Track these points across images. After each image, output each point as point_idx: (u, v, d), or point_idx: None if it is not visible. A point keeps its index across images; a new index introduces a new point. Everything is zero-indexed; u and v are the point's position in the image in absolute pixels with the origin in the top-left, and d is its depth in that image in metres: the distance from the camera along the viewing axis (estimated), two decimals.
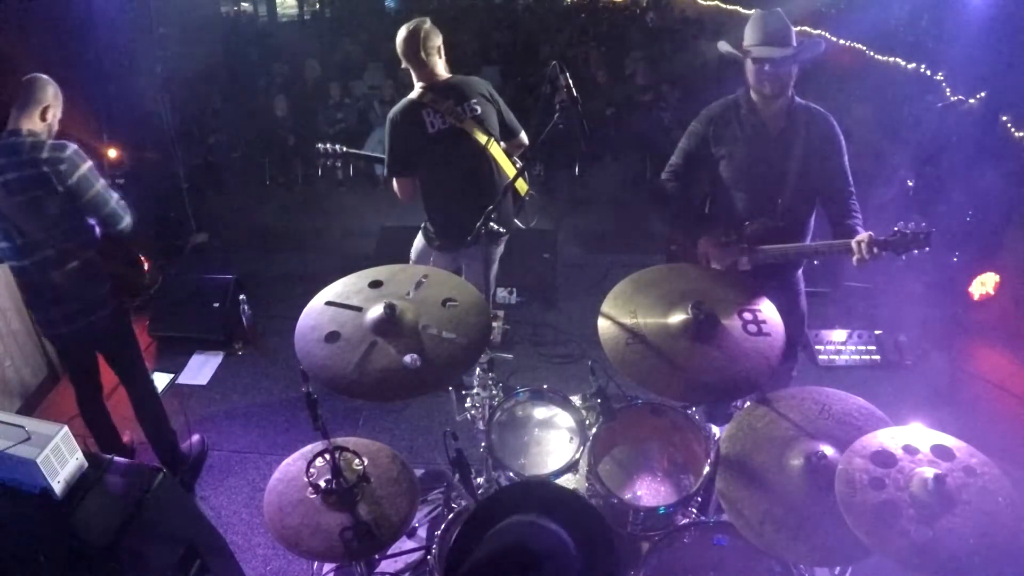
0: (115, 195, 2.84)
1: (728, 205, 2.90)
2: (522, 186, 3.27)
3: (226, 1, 10.99)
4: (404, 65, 3.16)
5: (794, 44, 2.61)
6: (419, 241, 3.55)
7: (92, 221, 2.83)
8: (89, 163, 2.74)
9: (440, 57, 3.16)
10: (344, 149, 3.60)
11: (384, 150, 3.28)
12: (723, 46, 2.77)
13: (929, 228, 2.45)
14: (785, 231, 2.79)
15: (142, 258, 3.11)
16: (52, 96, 2.75)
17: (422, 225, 3.49)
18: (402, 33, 3.09)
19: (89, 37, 4.65)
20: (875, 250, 2.49)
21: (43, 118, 2.73)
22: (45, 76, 2.77)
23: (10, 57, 3.85)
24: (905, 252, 2.49)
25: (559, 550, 1.32)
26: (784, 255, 2.78)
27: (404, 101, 3.17)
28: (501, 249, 3.51)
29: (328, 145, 3.58)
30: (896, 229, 2.48)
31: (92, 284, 2.88)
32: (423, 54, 3.08)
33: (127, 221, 2.87)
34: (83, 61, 4.62)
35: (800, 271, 3.06)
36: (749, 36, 2.69)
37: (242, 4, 11.72)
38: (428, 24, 3.10)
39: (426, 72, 3.13)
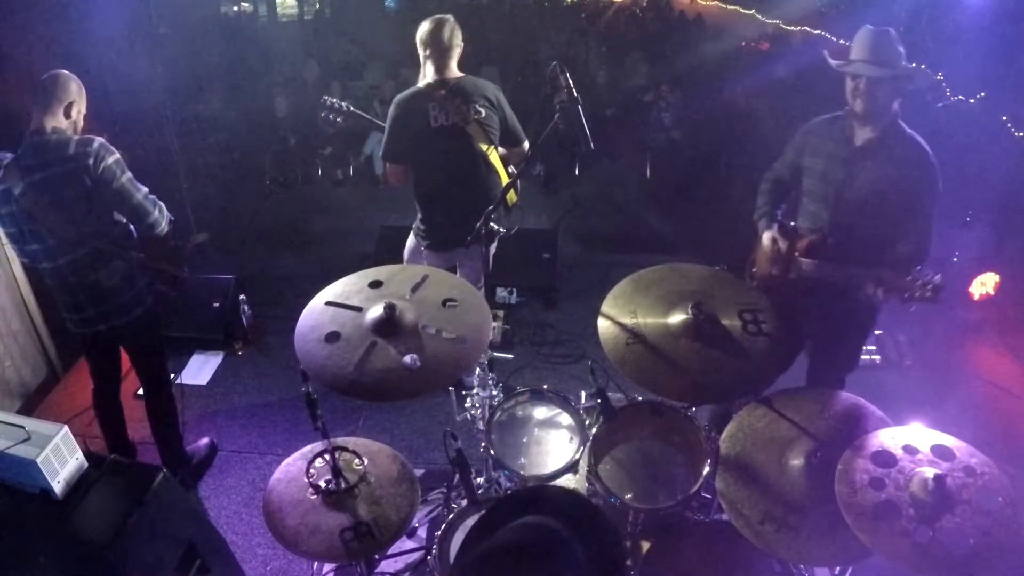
0: (144, 190, 2.79)
1: (798, 214, 2.83)
2: (511, 196, 3.28)
3: (226, 1, 10.98)
4: (424, 53, 3.16)
5: (898, 67, 2.48)
6: (411, 241, 3.56)
7: (122, 219, 2.78)
8: (116, 156, 2.69)
9: (457, 55, 3.19)
10: (349, 107, 3.64)
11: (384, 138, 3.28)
12: (829, 59, 2.62)
13: (941, 283, 2.30)
14: (836, 249, 2.63)
15: (177, 248, 3.06)
16: (76, 92, 2.69)
17: (413, 225, 3.50)
18: (428, 24, 3.13)
19: (89, 37, 4.65)
20: (879, 290, 2.37)
21: (67, 115, 2.67)
22: (66, 72, 2.71)
23: (10, 57, 3.85)
24: (911, 301, 2.35)
25: (564, 550, 1.32)
26: (817, 271, 2.64)
27: (413, 89, 3.19)
28: (494, 248, 3.52)
29: (335, 100, 3.61)
30: (911, 275, 2.34)
31: (128, 282, 2.86)
32: (446, 46, 3.12)
33: (155, 216, 2.80)
34: (83, 61, 4.62)
35: (871, 323, 2.90)
36: (854, 50, 2.57)
37: (242, 4, 11.69)
38: (453, 20, 3.15)
39: (443, 66, 3.15)
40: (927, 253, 2.58)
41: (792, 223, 2.80)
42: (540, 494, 1.79)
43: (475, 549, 1.37)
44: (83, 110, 2.74)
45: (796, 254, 2.71)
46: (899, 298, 2.38)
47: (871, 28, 2.55)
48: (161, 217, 2.85)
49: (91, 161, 2.61)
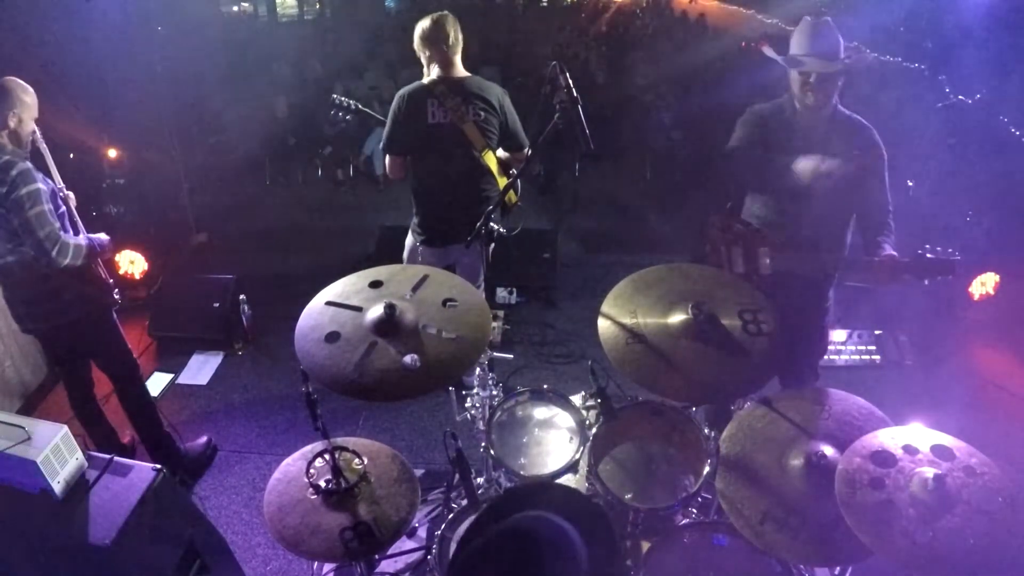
0: (48, 228, 2.68)
1: (759, 207, 2.84)
2: (511, 197, 3.28)
3: (226, 1, 10.99)
4: (426, 53, 3.15)
5: (842, 56, 2.53)
6: (409, 240, 3.55)
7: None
8: (32, 187, 2.64)
9: (459, 51, 3.18)
10: (358, 106, 3.64)
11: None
12: (768, 51, 2.67)
13: (954, 255, 2.32)
14: (813, 240, 2.67)
15: (107, 277, 3.08)
16: (17, 100, 2.66)
17: (411, 223, 3.50)
18: (427, 22, 3.11)
19: (89, 37, 4.65)
20: (895, 272, 2.38)
21: (4, 124, 2.64)
22: (13, 79, 2.68)
23: (11, 57, 3.85)
24: (928, 278, 2.36)
25: (565, 542, 1.33)
26: (804, 263, 2.67)
27: (416, 84, 3.19)
28: (492, 248, 3.52)
29: (344, 98, 3.62)
30: (919, 252, 2.36)
31: (54, 294, 2.87)
32: (448, 44, 3.10)
33: (51, 256, 2.69)
34: (83, 61, 4.62)
35: (829, 301, 2.95)
36: (796, 44, 2.59)
37: (242, 4, 11.71)
38: (451, 16, 3.13)
39: (445, 63, 3.13)
40: (888, 218, 2.63)
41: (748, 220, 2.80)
42: (541, 490, 1.79)
43: (476, 541, 1.37)
44: (25, 117, 2.70)
45: (764, 250, 2.69)
46: (915, 278, 2.38)
47: (811, 20, 2.58)
48: (60, 257, 2.71)
49: (4, 189, 2.61)
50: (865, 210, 2.69)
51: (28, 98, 2.72)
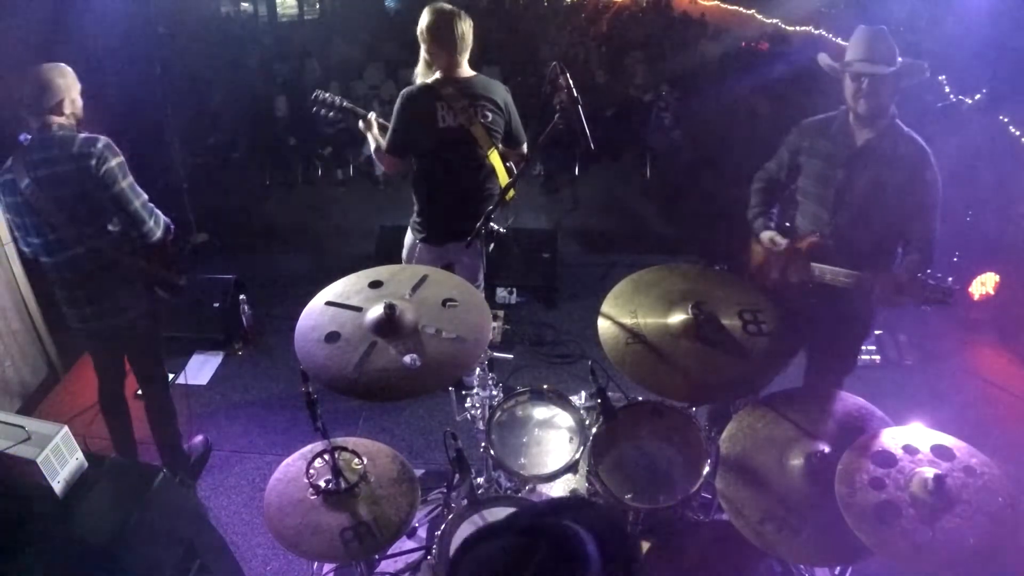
0: (143, 197, 2.79)
1: (795, 215, 2.81)
2: (510, 194, 3.25)
3: (226, 1, 10.98)
4: (431, 49, 3.02)
5: (897, 64, 2.48)
6: (408, 237, 3.52)
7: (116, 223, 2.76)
8: (120, 159, 2.69)
9: (468, 52, 3.06)
10: (343, 102, 3.40)
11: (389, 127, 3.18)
12: (823, 59, 2.62)
13: (952, 285, 2.31)
14: (836, 252, 2.63)
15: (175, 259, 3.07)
16: (63, 87, 2.64)
17: (410, 220, 3.45)
18: (436, 15, 2.96)
19: (89, 37, 4.65)
20: (893, 293, 2.36)
21: (61, 112, 2.63)
22: (46, 68, 2.63)
23: (11, 57, 3.84)
24: (925, 303, 2.35)
25: (579, 550, 1.30)
26: (814, 275, 2.63)
27: (422, 84, 3.08)
28: (491, 247, 3.50)
29: (328, 94, 3.38)
30: (919, 276, 2.35)
31: (125, 284, 2.85)
32: (463, 43, 2.99)
33: (149, 225, 2.80)
34: (83, 61, 4.62)
35: (871, 323, 2.90)
36: (852, 51, 2.55)
37: (242, 4, 11.70)
38: (464, 14, 3.00)
39: (453, 63, 3.02)
40: (932, 254, 2.58)
41: (787, 224, 2.79)
42: (576, 504, 1.76)
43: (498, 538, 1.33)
44: (76, 98, 2.70)
45: (798, 257, 2.69)
46: (914, 301, 2.37)
47: (867, 28, 2.54)
48: (156, 227, 2.84)
49: (94, 162, 2.61)
50: (906, 236, 2.63)
51: (69, 77, 2.69)
